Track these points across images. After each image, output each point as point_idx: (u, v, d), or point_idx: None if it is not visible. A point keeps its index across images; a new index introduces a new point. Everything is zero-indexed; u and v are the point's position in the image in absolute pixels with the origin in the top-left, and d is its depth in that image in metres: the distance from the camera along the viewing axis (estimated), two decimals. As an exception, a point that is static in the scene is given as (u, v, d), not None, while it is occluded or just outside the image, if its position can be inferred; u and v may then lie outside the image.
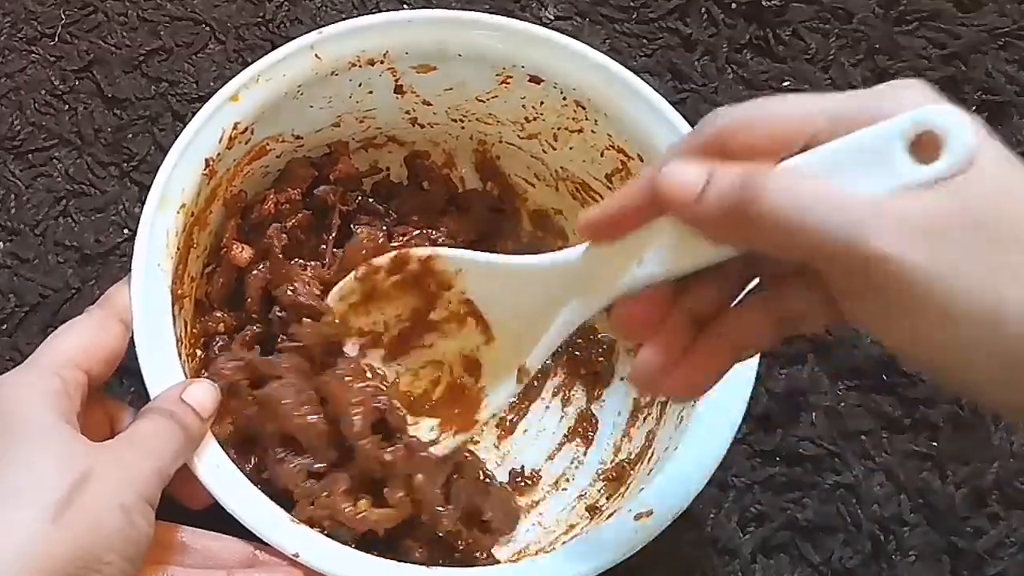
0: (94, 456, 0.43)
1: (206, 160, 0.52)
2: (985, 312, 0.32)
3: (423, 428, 0.53)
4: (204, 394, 0.48)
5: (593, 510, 0.55)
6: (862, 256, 0.32)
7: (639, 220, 0.40)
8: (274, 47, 0.54)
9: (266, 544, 0.47)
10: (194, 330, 0.54)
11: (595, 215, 0.41)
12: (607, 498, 0.55)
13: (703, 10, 0.69)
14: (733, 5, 0.69)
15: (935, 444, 0.59)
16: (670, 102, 0.53)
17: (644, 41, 0.68)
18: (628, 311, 0.41)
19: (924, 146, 0.33)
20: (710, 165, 0.36)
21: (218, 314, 0.55)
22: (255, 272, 0.55)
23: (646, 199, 0.38)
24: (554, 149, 0.58)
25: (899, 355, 0.36)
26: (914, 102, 0.34)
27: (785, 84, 0.67)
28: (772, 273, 0.39)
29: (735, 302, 0.40)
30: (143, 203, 0.50)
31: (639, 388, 0.43)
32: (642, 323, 0.41)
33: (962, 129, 0.33)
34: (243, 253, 0.55)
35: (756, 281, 0.40)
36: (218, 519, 0.47)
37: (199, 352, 0.54)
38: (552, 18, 0.69)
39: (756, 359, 0.50)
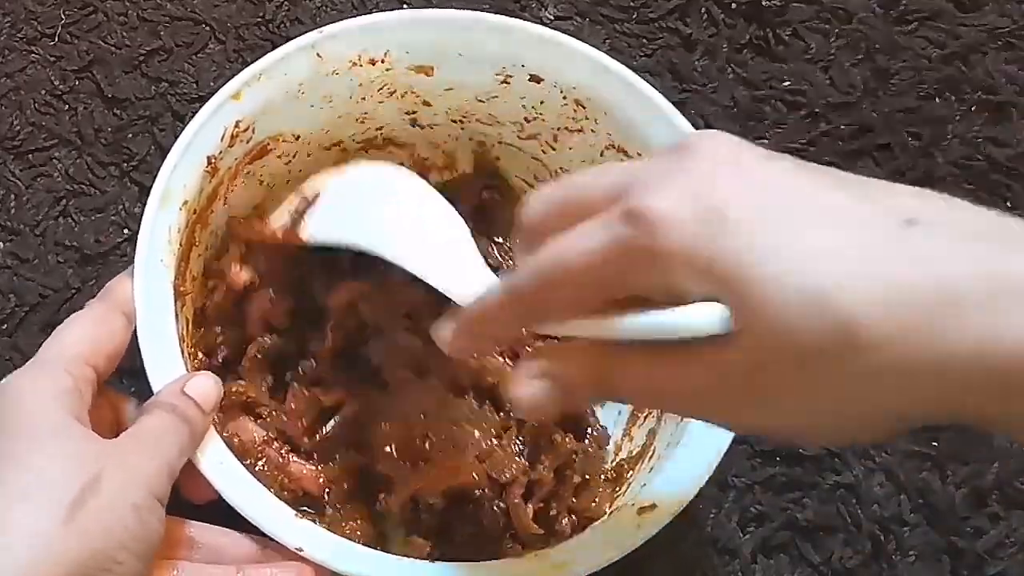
0: (105, 456, 0.43)
1: (208, 158, 0.52)
2: None
3: None
4: (206, 386, 0.48)
5: (594, 508, 0.55)
6: None
7: None
8: (274, 47, 0.54)
9: (272, 540, 0.47)
10: (195, 334, 0.54)
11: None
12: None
13: (703, 10, 0.69)
14: (733, 5, 0.69)
15: (935, 444, 0.58)
16: (670, 102, 0.53)
17: (644, 41, 0.68)
18: None
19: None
20: (553, 374, 0.38)
21: (217, 328, 0.55)
22: (256, 301, 0.55)
23: None
24: (554, 150, 0.58)
25: None
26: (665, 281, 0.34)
27: (785, 84, 0.67)
28: None
29: None
30: (143, 203, 0.50)
31: None
32: None
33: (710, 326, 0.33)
34: (240, 276, 0.55)
35: None
36: (221, 515, 0.47)
37: (201, 354, 0.54)
38: (552, 18, 0.68)
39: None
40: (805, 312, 0.31)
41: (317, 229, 0.54)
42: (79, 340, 0.47)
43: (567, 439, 0.54)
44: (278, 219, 0.55)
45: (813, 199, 0.33)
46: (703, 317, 0.33)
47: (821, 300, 0.31)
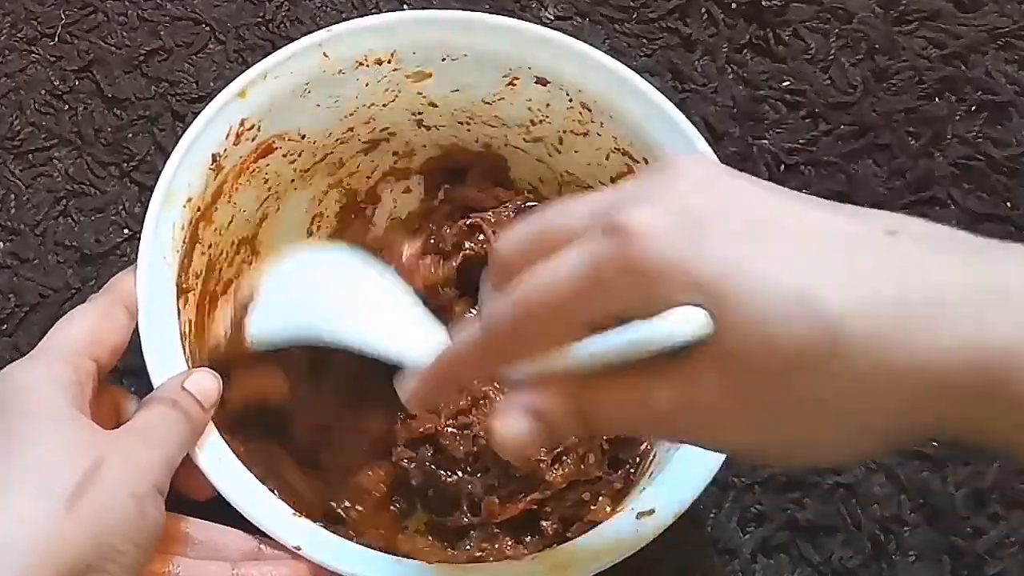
0: (105, 445, 0.43)
1: (213, 156, 0.52)
2: None
3: None
4: (206, 383, 0.48)
5: (594, 512, 0.55)
6: None
7: None
8: (274, 47, 0.54)
9: (270, 537, 0.47)
10: (198, 333, 0.54)
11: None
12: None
13: (703, 10, 0.69)
14: (733, 5, 0.69)
15: (935, 444, 0.58)
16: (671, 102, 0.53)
17: (644, 41, 0.68)
18: None
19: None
20: (534, 409, 0.36)
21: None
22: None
23: None
24: (560, 152, 0.58)
25: None
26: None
27: (785, 84, 0.67)
28: None
29: None
30: (143, 203, 0.50)
31: None
32: None
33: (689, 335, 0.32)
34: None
35: None
36: (220, 512, 0.47)
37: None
38: (552, 18, 0.69)
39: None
40: (787, 313, 0.31)
41: (259, 331, 0.52)
42: (81, 332, 0.47)
43: (603, 464, 0.55)
44: (218, 330, 0.53)
45: (795, 214, 0.33)
46: (680, 323, 0.32)
47: (803, 301, 0.31)
